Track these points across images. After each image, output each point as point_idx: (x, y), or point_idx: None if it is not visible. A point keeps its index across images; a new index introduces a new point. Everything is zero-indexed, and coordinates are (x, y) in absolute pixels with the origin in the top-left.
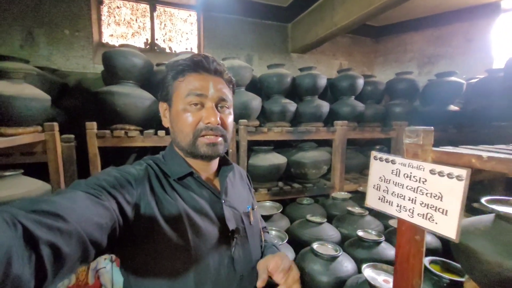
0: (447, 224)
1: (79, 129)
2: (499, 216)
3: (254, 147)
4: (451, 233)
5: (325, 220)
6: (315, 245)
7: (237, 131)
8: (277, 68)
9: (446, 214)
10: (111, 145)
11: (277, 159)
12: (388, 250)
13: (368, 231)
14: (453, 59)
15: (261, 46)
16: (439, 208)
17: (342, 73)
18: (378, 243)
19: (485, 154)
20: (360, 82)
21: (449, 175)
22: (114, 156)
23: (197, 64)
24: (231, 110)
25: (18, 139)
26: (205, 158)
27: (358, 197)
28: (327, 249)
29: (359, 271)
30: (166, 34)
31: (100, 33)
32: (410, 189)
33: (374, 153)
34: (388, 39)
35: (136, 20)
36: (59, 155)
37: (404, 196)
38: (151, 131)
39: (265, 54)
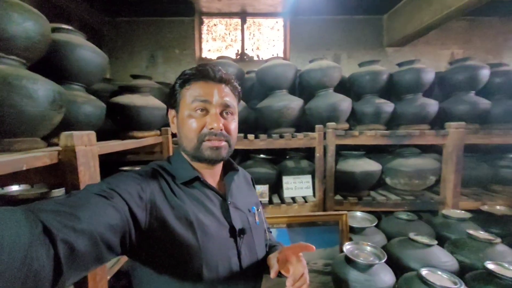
0: None
1: None
2: None
3: (342, 151)
4: None
5: (436, 242)
6: (424, 271)
7: (324, 134)
8: (371, 65)
9: None
10: None
11: (370, 165)
12: None
13: (504, 265)
14: None
15: (349, 43)
16: None
17: (457, 64)
18: None
19: None
20: (484, 73)
21: None
22: None
23: (202, 73)
24: (236, 117)
25: (144, 141)
26: (209, 161)
27: (481, 219)
28: (442, 280)
29: None
30: (254, 43)
31: (200, 49)
32: None
33: None
34: None
35: (229, 34)
36: None
37: None
38: (240, 135)
39: (355, 52)
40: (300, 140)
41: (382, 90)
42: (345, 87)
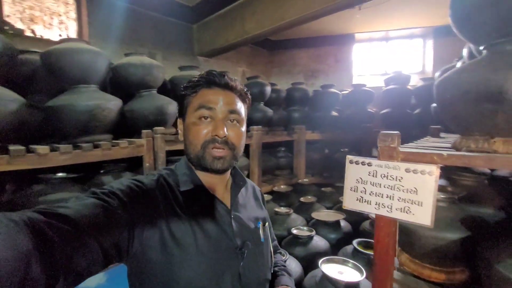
0: (423, 213)
1: None
2: None
3: (171, 157)
4: (427, 220)
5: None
6: None
7: (152, 139)
8: (192, 70)
9: (421, 205)
10: None
11: None
12: (319, 242)
13: (301, 228)
14: (328, 74)
15: (164, 45)
16: (415, 201)
17: (252, 80)
18: (311, 237)
19: (445, 152)
20: (268, 89)
21: (422, 172)
22: None
23: (209, 80)
24: (243, 125)
25: None
26: (212, 171)
27: (275, 197)
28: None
29: (305, 270)
30: (24, 11)
31: None
32: (387, 187)
33: (349, 157)
34: (282, 53)
35: None
36: None
37: (382, 194)
38: (22, 147)
39: (170, 55)
40: (124, 149)
41: None
42: (166, 89)
